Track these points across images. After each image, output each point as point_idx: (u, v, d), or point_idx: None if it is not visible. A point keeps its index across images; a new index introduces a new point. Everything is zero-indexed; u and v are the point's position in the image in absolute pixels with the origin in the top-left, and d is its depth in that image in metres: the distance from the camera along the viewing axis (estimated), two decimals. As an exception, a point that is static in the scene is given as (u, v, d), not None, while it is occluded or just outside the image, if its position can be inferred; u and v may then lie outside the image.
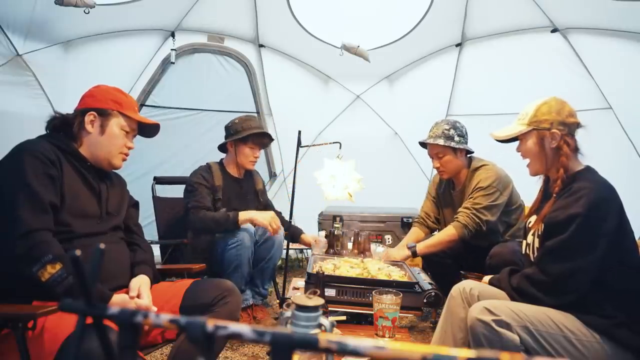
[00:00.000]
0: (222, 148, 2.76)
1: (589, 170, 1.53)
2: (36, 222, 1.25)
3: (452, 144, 2.36)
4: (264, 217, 2.42)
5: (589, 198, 1.38)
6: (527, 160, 1.62)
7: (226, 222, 2.40)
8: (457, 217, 2.32)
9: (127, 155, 1.56)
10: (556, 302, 1.42)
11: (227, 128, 2.70)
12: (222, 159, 2.78)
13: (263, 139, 2.69)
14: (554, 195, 1.51)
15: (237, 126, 2.65)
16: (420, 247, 2.35)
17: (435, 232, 2.71)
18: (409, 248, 2.37)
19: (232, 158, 2.70)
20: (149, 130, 1.61)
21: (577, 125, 1.54)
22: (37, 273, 1.20)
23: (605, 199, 1.41)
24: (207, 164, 2.71)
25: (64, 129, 1.47)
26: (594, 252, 1.38)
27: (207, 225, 2.43)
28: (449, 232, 2.31)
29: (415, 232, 2.67)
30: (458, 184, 2.50)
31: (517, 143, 1.66)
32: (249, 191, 2.79)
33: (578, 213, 1.38)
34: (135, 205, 1.74)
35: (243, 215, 2.42)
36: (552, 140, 1.52)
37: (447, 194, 2.60)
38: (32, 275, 1.20)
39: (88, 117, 1.47)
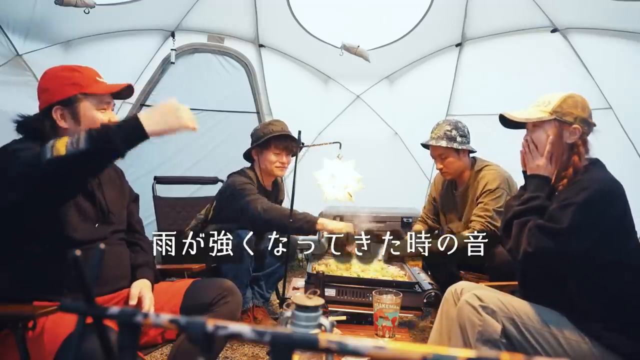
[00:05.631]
0: (248, 157, 2.63)
1: (596, 164, 1.47)
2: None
3: (455, 145, 2.34)
4: (339, 227, 2.18)
5: (590, 191, 1.33)
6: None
7: (303, 220, 2.16)
8: (472, 226, 2.25)
9: None
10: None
11: (251, 136, 2.58)
12: (252, 166, 2.63)
13: (287, 143, 2.49)
14: (556, 193, 1.46)
15: (258, 132, 2.52)
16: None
17: (436, 232, 2.71)
18: None
19: (259, 167, 2.56)
20: (125, 93, 1.43)
21: (593, 126, 1.50)
22: (54, 157, 1.11)
23: (609, 192, 1.36)
24: (242, 170, 2.55)
25: (38, 130, 1.33)
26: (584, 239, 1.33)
27: (275, 216, 2.17)
28: None
29: (418, 226, 2.72)
30: (461, 184, 2.49)
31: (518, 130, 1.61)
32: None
33: (575, 202, 1.33)
34: (135, 199, 1.69)
35: (321, 220, 2.19)
36: (570, 135, 1.46)
37: (449, 195, 2.58)
38: (52, 163, 1.11)
39: (56, 114, 1.33)
